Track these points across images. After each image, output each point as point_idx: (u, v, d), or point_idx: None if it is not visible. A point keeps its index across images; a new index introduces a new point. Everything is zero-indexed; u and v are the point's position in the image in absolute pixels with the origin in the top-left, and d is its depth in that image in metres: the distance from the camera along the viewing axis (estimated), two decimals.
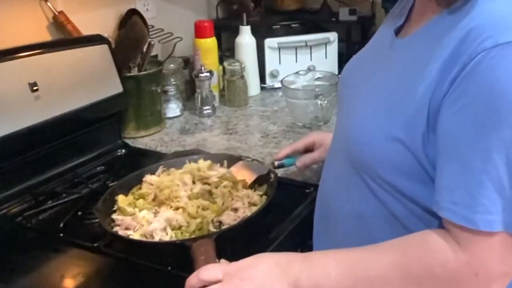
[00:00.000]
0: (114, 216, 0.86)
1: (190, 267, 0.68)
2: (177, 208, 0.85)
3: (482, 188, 0.54)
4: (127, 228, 0.83)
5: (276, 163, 0.97)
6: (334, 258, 0.62)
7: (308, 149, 0.97)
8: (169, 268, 0.78)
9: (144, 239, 0.81)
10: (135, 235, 0.81)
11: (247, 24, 1.49)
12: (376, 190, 0.66)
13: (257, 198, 0.89)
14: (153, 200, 0.89)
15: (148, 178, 0.95)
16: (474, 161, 0.54)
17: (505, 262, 0.56)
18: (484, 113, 0.53)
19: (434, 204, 0.58)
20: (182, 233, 0.81)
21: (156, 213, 0.85)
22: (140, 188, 0.93)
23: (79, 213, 0.94)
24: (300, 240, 0.87)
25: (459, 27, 0.57)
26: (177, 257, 0.77)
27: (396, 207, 0.65)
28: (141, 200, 0.89)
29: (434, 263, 0.57)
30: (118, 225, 0.84)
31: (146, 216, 0.83)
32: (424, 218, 0.63)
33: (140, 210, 0.86)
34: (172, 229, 0.81)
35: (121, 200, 0.89)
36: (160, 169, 0.98)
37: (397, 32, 0.71)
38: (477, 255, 0.55)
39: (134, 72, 1.27)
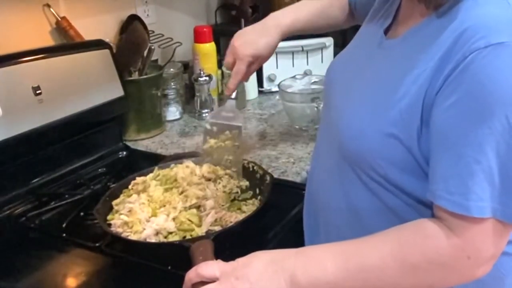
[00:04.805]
0: (109, 218, 0.88)
1: (189, 266, 0.68)
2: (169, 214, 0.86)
3: (474, 177, 0.57)
4: (121, 232, 0.84)
5: (233, 95, 1.00)
6: (329, 251, 0.63)
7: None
8: (169, 267, 0.79)
9: None
10: (132, 238, 0.83)
11: None
12: (370, 183, 0.68)
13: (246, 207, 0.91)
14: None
15: (134, 180, 0.96)
16: (466, 152, 0.57)
17: (494, 245, 0.59)
18: (475, 107, 0.57)
19: (429, 193, 0.61)
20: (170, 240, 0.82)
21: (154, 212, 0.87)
22: (130, 189, 0.95)
23: (81, 213, 0.96)
24: (297, 240, 0.89)
25: (451, 29, 0.60)
26: (177, 257, 0.79)
27: (390, 199, 0.67)
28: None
29: (429, 249, 0.59)
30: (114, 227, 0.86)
31: (140, 215, 0.85)
32: (417, 208, 0.65)
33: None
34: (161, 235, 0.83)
35: (115, 202, 0.92)
36: (156, 169, 1.00)
37: (385, 32, 0.74)
38: (469, 240, 0.58)
39: (135, 76, 1.29)
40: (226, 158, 0.98)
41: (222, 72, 1.51)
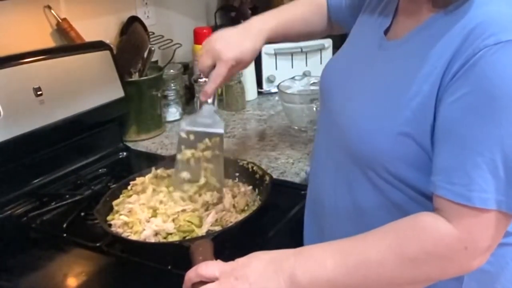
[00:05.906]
0: (109, 219, 0.88)
1: (189, 266, 0.69)
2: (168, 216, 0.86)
3: (477, 169, 0.58)
4: (122, 232, 0.85)
5: (209, 100, 0.89)
6: (328, 249, 0.63)
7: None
8: (169, 267, 0.80)
9: None
10: (133, 238, 0.83)
11: None
12: (378, 181, 0.68)
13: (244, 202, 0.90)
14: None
15: (134, 181, 0.97)
16: (470, 145, 0.58)
17: (492, 237, 0.60)
18: (481, 102, 0.58)
19: (431, 185, 0.62)
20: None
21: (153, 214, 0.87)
22: (130, 190, 0.96)
23: (82, 214, 0.96)
24: (297, 240, 0.89)
25: (459, 26, 0.61)
26: (177, 257, 0.79)
27: (396, 195, 0.67)
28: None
29: (428, 241, 0.60)
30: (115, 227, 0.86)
31: (141, 216, 0.86)
32: (422, 202, 0.66)
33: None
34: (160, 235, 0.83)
35: (115, 203, 0.92)
36: (153, 170, 1.00)
37: (384, 32, 0.74)
38: (467, 230, 0.59)
39: (135, 77, 1.29)
40: (205, 166, 0.89)
41: None
